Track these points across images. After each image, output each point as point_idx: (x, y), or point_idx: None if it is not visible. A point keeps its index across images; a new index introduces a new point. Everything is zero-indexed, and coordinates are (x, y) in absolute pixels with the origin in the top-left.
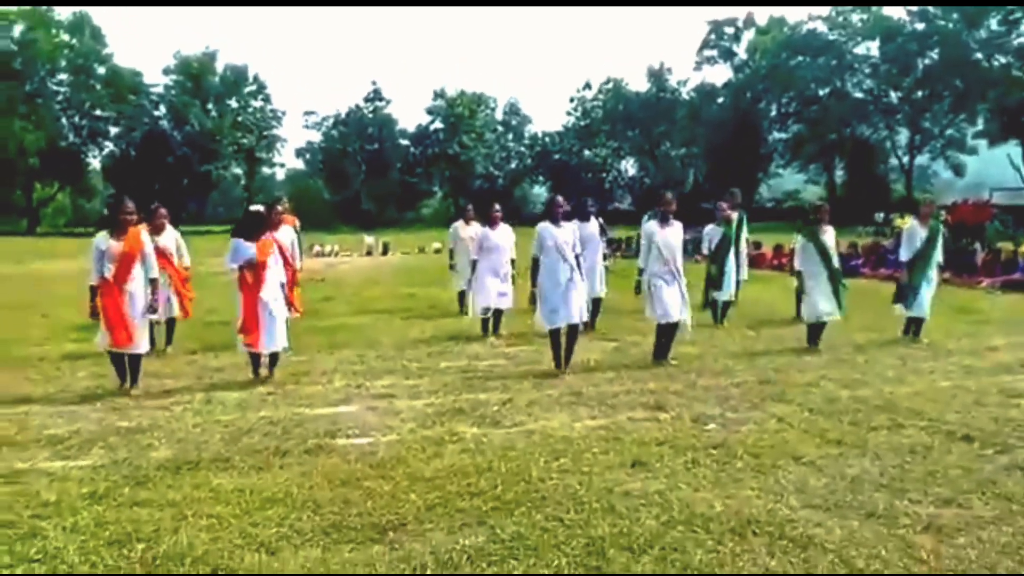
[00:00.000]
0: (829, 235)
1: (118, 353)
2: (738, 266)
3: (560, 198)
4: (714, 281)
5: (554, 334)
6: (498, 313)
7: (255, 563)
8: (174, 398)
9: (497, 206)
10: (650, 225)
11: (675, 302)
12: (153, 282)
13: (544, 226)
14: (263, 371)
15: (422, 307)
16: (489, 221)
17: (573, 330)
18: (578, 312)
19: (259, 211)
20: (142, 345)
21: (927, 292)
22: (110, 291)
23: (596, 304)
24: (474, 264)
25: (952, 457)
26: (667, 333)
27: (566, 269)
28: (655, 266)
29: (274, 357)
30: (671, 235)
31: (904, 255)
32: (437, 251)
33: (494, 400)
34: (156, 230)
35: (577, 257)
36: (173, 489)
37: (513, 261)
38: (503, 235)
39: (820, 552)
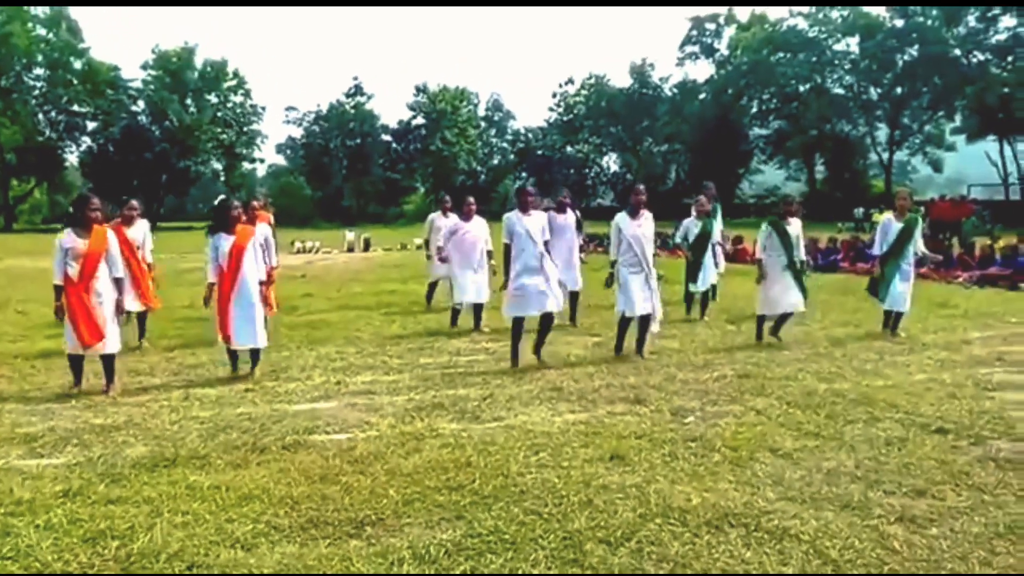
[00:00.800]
0: (794, 226)
1: (77, 355)
2: (715, 260)
3: (530, 187)
4: (692, 274)
5: (517, 324)
6: (478, 308)
7: (231, 559)
8: (151, 395)
9: (471, 199)
10: (620, 218)
11: (641, 296)
12: (118, 281)
13: (513, 214)
14: (243, 368)
15: (403, 303)
16: (463, 213)
17: (547, 318)
18: (553, 303)
19: (229, 200)
20: (113, 344)
21: (901, 286)
22: (76, 290)
23: (574, 298)
24: (439, 249)
25: (926, 449)
26: (641, 325)
27: (537, 256)
28: (624, 258)
29: (255, 354)
30: (640, 228)
31: (876, 249)
32: (419, 247)
33: (474, 395)
34: (126, 221)
35: (545, 244)
36: (148, 486)
37: (489, 253)
38: (477, 227)
39: (795, 543)
